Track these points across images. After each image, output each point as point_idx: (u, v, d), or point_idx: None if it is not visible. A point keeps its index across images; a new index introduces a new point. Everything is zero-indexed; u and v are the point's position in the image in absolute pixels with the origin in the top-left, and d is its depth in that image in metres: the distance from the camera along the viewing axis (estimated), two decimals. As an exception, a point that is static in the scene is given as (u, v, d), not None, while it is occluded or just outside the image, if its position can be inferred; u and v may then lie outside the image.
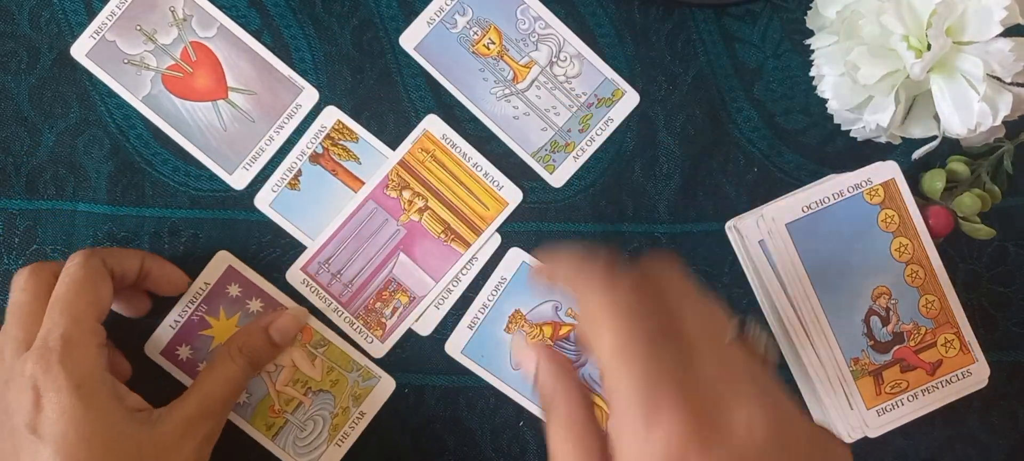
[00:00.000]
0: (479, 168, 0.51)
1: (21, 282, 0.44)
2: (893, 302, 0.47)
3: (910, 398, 0.47)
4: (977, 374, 0.47)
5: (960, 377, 0.47)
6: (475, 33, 0.51)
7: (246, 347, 0.47)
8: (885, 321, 0.47)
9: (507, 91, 0.51)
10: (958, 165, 0.49)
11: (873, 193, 0.46)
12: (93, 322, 0.42)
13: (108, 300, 0.44)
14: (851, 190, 0.46)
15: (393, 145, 0.51)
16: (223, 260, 0.50)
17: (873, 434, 0.47)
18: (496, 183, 0.51)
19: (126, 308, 0.48)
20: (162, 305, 0.50)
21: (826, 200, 0.46)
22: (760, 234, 0.48)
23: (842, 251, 0.46)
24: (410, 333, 0.51)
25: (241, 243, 0.50)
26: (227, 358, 0.46)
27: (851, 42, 0.46)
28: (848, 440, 0.47)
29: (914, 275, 0.47)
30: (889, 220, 0.46)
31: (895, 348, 0.47)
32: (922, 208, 0.49)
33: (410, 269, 0.50)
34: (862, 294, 0.47)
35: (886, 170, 0.48)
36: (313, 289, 0.50)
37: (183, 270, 0.50)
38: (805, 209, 0.46)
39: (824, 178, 0.49)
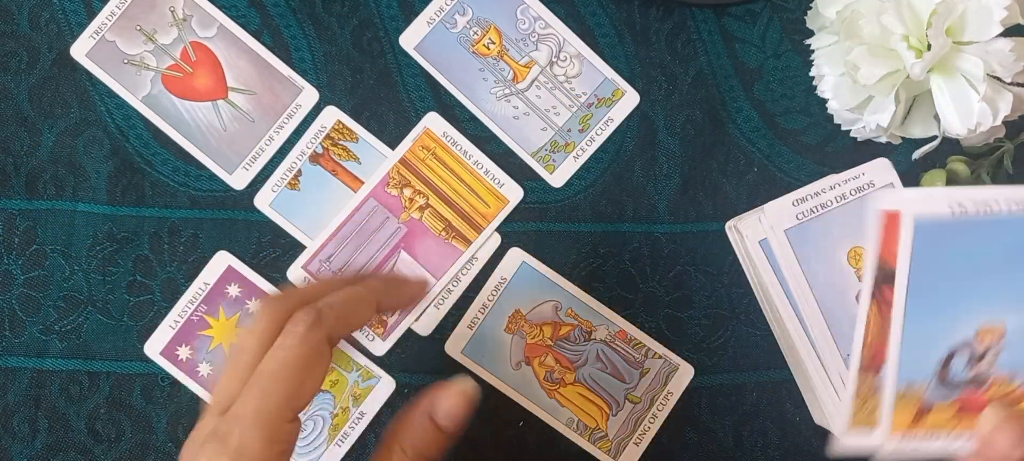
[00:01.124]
0: (480, 166, 0.51)
1: (257, 318, 0.37)
2: (999, 346, 0.37)
3: (947, 439, 0.39)
4: None
5: None
6: (475, 33, 0.51)
7: (412, 445, 0.39)
8: (974, 361, 0.38)
9: (507, 91, 0.51)
10: (958, 165, 0.50)
11: None
12: (283, 424, 0.35)
13: (317, 386, 0.36)
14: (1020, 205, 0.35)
15: (393, 145, 0.51)
16: (223, 260, 0.50)
17: (877, 453, 0.40)
18: (497, 181, 0.51)
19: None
20: (162, 305, 0.50)
21: (985, 209, 0.35)
22: (762, 233, 0.48)
23: (970, 274, 0.36)
24: (410, 333, 0.51)
25: (241, 243, 0.50)
26: None
27: (851, 42, 0.46)
28: None
29: None
30: None
31: (965, 390, 0.38)
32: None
33: (411, 267, 0.50)
34: (965, 327, 0.37)
35: (876, 169, 0.47)
36: (313, 289, 0.50)
37: (184, 270, 0.50)
38: (955, 209, 0.35)
39: (825, 177, 0.49)
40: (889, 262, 0.36)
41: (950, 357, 0.37)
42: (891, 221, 0.36)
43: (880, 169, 0.48)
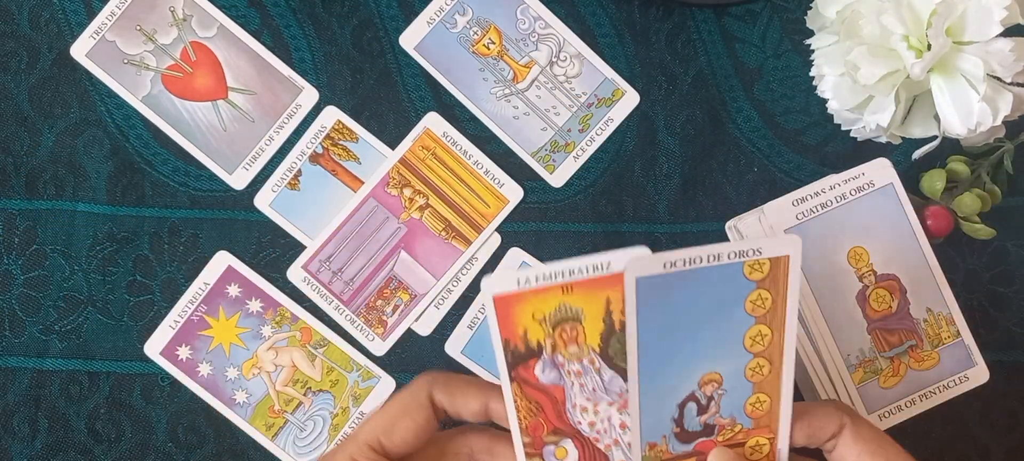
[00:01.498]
0: (480, 166, 0.51)
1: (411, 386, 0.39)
2: (720, 393, 0.39)
3: None
4: None
5: None
6: (475, 33, 0.51)
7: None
8: (702, 410, 0.39)
9: (507, 91, 0.51)
10: (958, 165, 0.49)
11: (755, 267, 0.37)
12: (366, 449, 0.38)
13: (409, 432, 0.38)
14: (732, 256, 0.37)
15: (393, 145, 0.51)
16: (223, 260, 0.50)
17: None
18: (497, 181, 0.51)
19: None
20: (162, 305, 0.50)
21: (696, 261, 0.36)
22: (762, 233, 0.48)
23: (687, 326, 0.38)
24: (410, 333, 0.51)
25: (241, 243, 0.50)
26: None
27: (851, 42, 0.46)
28: None
29: (757, 370, 0.39)
30: (760, 303, 0.38)
31: (700, 440, 0.39)
32: (921, 208, 0.49)
33: (411, 267, 0.50)
34: (690, 378, 0.38)
35: (875, 169, 0.47)
36: (314, 287, 0.50)
37: (184, 270, 0.50)
38: (668, 266, 0.36)
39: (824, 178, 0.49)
40: (513, 342, 0.37)
41: (683, 409, 0.38)
42: (504, 303, 0.37)
43: (880, 169, 0.48)
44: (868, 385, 0.47)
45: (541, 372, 0.38)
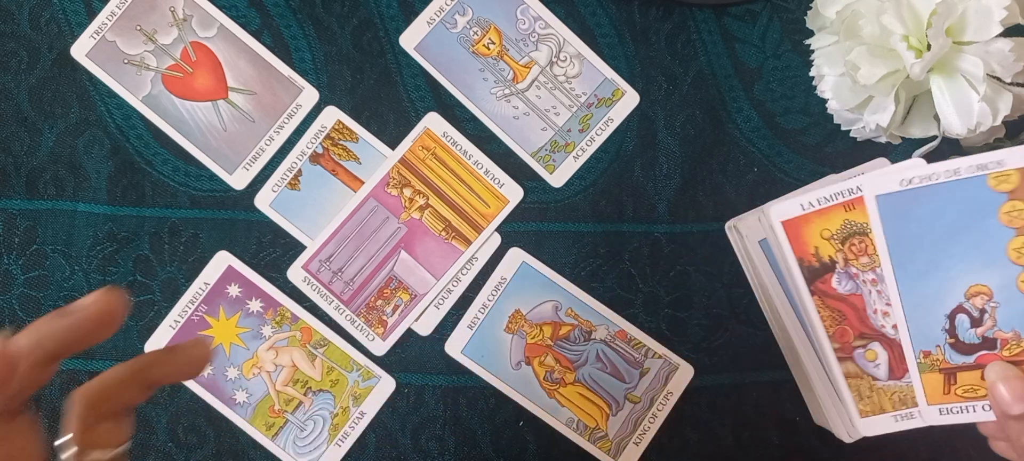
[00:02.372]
0: (480, 166, 0.51)
1: None
2: (992, 305, 0.40)
3: (985, 407, 0.41)
4: None
5: None
6: (475, 33, 0.51)
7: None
8: (976, 322, 0.41)
9: (507, 91, 0.51)
10: (958, 165, 0.49)
11: (1002, 179, 0.38)
12: None
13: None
14: (972, 170, 0.39)
15: (393, 145, 0.51)
16: (223, 260, 0.50)
17: (928, 423, 0.43)
18: (497, 181, 0.51)
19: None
20: (162, 305, 0.50)
21: (932, 177, 0.39)
22: (761, 233, 0.48)
23: (938, 238, 0.40)
24: (410, 333, 0.51)
25: (241, 243, 0.50)
26: None
27: (851, 42, 0.46)
28: (847, 440, 0.48)
29: None
30: (1016, 214, 0.38)
31: (981, 353, 0.41)
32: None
33: (411, 267, 0.50)
34: (954, 289, 0.40)
35: (876, 168, 0.47)
36: (314, 287, 0.50)
37: (184, 270, 0.50)
38: (904, 184, 0.39)
39: (826, 177, 0.50)
40: (807, 260, 0.42)
41: (953, 320, 0.41)
42: (793, 226, 0.42)
43: (879, 168, 0.48)
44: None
45: (838, 283, 0.42)
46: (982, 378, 0.41)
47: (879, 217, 0.40)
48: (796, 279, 0.43)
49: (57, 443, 0.29)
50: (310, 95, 0.51)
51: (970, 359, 0.41)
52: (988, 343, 0.41)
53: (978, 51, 0.44)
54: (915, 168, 0.39)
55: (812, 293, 0.43)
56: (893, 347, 0.43)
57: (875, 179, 0.40)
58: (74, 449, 0.29)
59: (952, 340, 0.41)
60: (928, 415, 0.42)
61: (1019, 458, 0.39)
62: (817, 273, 0.43)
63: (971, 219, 0.39)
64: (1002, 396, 0.39)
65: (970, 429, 0.51)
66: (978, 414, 0.41)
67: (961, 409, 0.42)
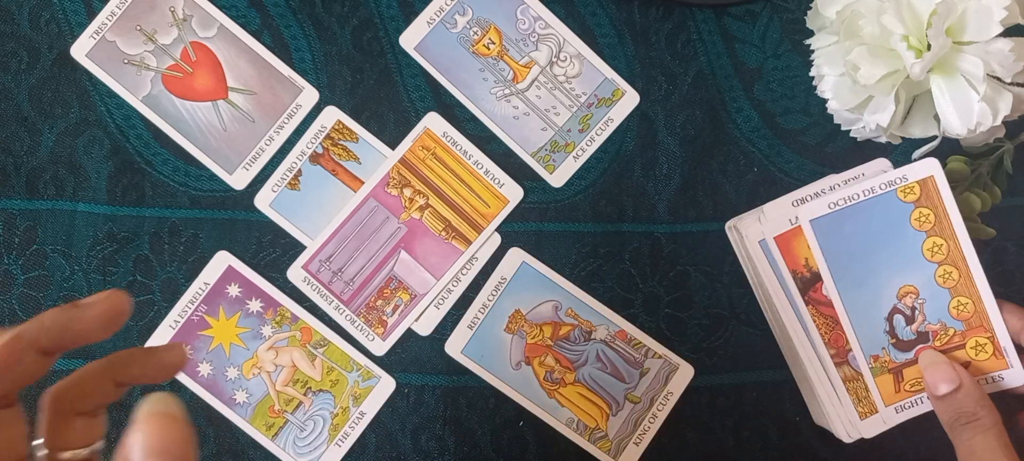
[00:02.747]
0: (480, 166, 0.51)
1: None
2: (920, 302, 0.46)
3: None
4: (1010, 379, 0.46)
5: (988, 382, 0.46)
6: (475, 33, 0.51)
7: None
8: (910, 320, 0.46)
9: (507, 91, 0.51)
10: (958, 165, 0.49)
11: (908, 190, 0.45)
12: None
13: None
14: (883, 187, 0.45)
15: (393, 145, 0.51)
16: (223, 260, 0.50)
17: (889, 425, 0.47)
18: (497, 180, 0.51)
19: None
20: (162, 305, 0.50)
21: (853, 198, 0.45)
22: (761, 234, 0.48)
23: (867, 249, 0.45)
24: (410, 333, 0.51)
25: (241, 243, 0.50)
26: None
27: (851, 42, 0.46)
28: (847, 440, 0.48)
29: (947, 276, 0.45)
30: (924, 218, 0.45)
31: (918, 347, 0.46)
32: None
33: (411, 267, 0.50)
34: (887, 293, 0.46)
35: (876, 168, 0.48)
36: (314, 287, 0.50)
37: (184, 270, 0.50)
38: (831, 206, 0.45)
39: (823, 178, 0.50)
40: (799, 272, 0.47)
41: (890, 320, 0.46)
42: (784, 240, 0.46)
43: (879, 169, 0.48)
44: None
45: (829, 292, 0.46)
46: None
47: (816, 238, 0.45)
48: (791, 290, 0.46)
49: (33, 444, 0.29)
50: (310, 95, 0.51)
51: (911, 355, 0.46)
52: (922, 337, 0.46)
53: (978, 51, 0.44)
54: (841, 192, 0.45)
55: (807, 303, 0.46)
56: None
57: (808, 207, 0.45)
58: (44, 449, 0.30)
59: (894, 340, 0.46)
60: (887, 416, 0.46)
61: (949, 433, 0.43)
62: (809, 283, 0.46)
63: (891, 228, 0.45)
64: (928, 381, 0.44)
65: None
66: (926, 404, 0.46)
67: (912, 403, 0.46)
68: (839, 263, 0.45)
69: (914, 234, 0.46)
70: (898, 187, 0.45)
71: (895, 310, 0.46)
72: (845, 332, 0.46)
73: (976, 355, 0.46)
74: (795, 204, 0.47)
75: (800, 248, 0.46)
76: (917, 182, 0.45)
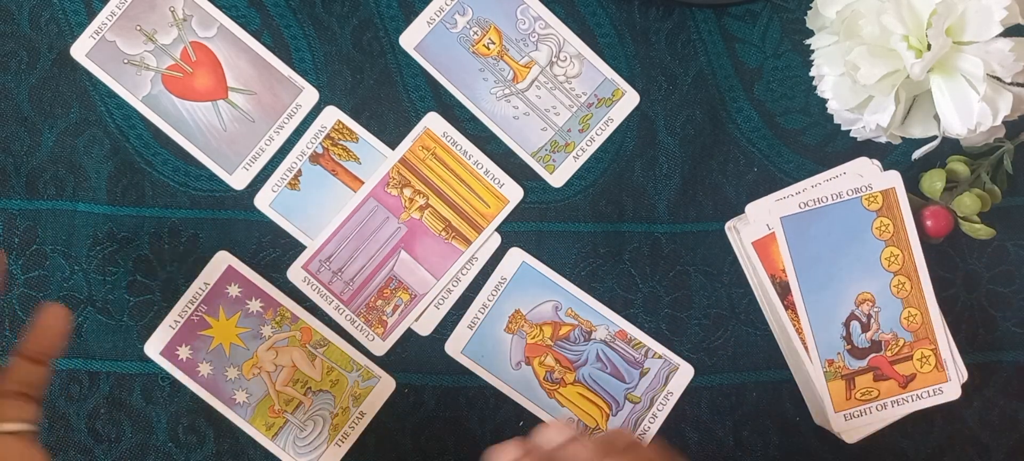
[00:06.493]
0: (480, 166, 0.51)
1: None
2: (876, 310, 0.47)
3: (879, 407, 0.47)
4: (948, 392, 0.47)
5: (931, 394, 0.47)
6: (475, 33, 0.51)
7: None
8: (865, 327, 0.47)
9: (507, 91, 0.51)
10: (958, 165, 0.50)
11: (871, 199, 0.46)
12: None
13: None
14: (850, 193, 0.46)
15: (393, 146, 0.51)
16: (223, 260, 0.50)
17: (843, 438, 0.47)
18: (497, 181, 0.51)
19: None
20: (162, 305, 0.50)
21: (822, 200, 0.46)
22: (760, 223, 0.48)
23: (831, 253, 0.46)
24: (410, 333, 0.51)
25: (241, 243, 0.50)
26: None
27: (851, 42, 0.46)
28: (847, 440, 0.48)
29: (900, 287, 0.47)
30: (884, 228, 0.46)
31: (871, 356, 0.47)
32: (921, 208, 0.49)
33: (411, 267, 0.50)
34: (846, 298, 0.47)
35: (858, 168, 0.48)
36: (314, 287, 0.50)
37: (184, 270, 0.50)
38: (802, 206, 0.46)
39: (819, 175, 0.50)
40: (778, 276, 0.47)
41: (847, 325, 0.47)
42: (762, 245, 0.47)
43: (860, 169, 0.48)
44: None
45: None
46: (874, 381, 0.47)
47: (784, 236, 0.46)
48: (771, 296, 0.48)
49: None
50: (310, 95, 0.51)
51: (863, 363, 0.47)
52: (876, 346, 0.47)
53: (978, 51, 0.44)
54: (811, 194, 0.46)
55: (786, 308, 0.47)
56: None
57: (781, 204, 0.47)
58: None
59: (849, 346, 0.47)
60: (836, 422, 0.47)
61: None
62: (788, 287, 0.47)
63: (853, 234, 0.46)
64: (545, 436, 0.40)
65: (970, 427, 0.51)
66: (874, 416, 0.47)
67: (861, 412, 0.47)
68: (804, 264, 0.47)
69: (874, 242, 0.47)
70: (863, 195, 0.46)
71: (853, 316, 0.47)
72: (804, 332, 0.47)
73: (921, 367, 0.47)
74: (776, 202, 0.48)
75: (778, 254, 0.47)
76: (880, 192, 0.46)
